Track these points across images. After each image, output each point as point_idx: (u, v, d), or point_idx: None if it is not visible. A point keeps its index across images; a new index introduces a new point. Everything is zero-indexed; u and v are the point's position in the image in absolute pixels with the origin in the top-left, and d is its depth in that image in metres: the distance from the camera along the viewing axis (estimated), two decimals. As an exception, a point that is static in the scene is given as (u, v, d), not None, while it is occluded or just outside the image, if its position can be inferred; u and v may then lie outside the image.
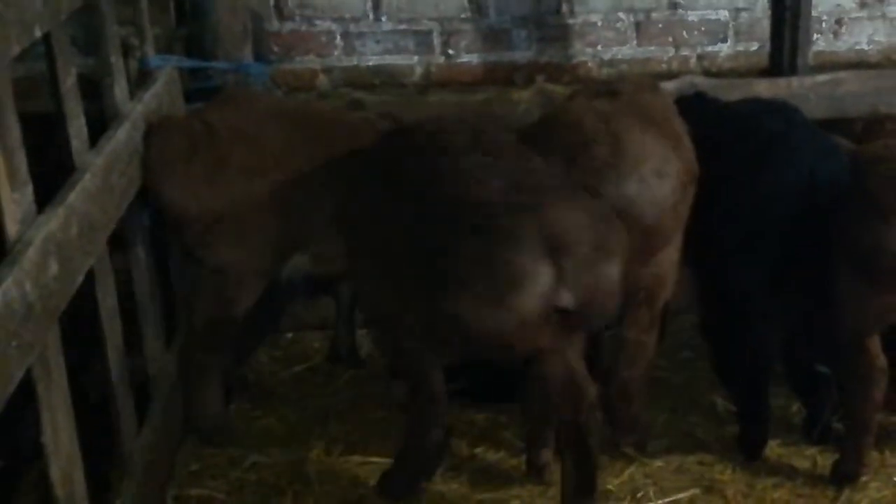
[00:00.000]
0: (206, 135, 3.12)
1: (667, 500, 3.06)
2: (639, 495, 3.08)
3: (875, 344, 2.97)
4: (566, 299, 2.48)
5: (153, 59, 3.42)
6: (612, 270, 2.54)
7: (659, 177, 2.85)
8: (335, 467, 3.23)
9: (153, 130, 3.14)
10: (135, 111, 3.08)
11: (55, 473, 2.36)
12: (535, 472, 3.11)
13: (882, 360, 2.97)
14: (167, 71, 3.46)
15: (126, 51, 3.44)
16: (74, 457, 2.47)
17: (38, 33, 2.41)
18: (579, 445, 2.77)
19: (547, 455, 3.10)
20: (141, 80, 3.47)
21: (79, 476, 2.49)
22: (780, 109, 3.27)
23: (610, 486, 3.11)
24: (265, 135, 3.16)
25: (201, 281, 3.20)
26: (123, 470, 2.86)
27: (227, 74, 3.83)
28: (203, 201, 3.09)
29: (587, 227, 2.52)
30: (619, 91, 3.07)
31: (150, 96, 3.24)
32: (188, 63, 3.70)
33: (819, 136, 3.17)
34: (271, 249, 3.19)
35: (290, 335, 4.00)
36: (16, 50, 2.26)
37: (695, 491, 3.09)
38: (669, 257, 3.02)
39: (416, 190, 2.67)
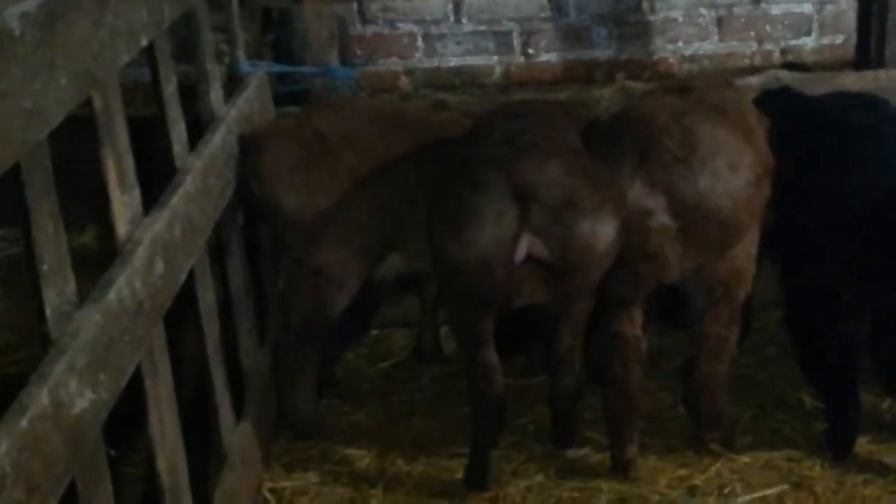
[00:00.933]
0: (318, 142, 3.23)
1: (754, 495, 3.05)
2: (726, 491, 3.07)
3: None
4: (537, 248, 2.69)
5: (244, 64, 3.53)
6: (587, 227, 2.71)
7: (732, 170, 2.85)
8: (422, 461, 3.30)
9: (265, 140, 3.26)
10: (229, 115, 3.20)
11: (162, 464, 2.47)
12: (620, 468, 3.14)
13: None
14: (258, 76, 3.58)
15: (219, 56, 3.58)
16: (179, 449, 2.57)
17: (143, 42, 2.52)
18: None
19: (632, 450, 3.12)
20: (232, 85, 3.59)
21: (182, 467, 2.59)
22: (868, 102, 3.24)
23: (696, 482, 3.11)
24: (368, 138, 3.26)
25: (300, 281, 3.30)
26: (221, 462, 2.96)
27: (315, 78, 3.93)
28: (318, 207, 3.20)
29: (558, 181, 2.72)
30: (692, 87, 3.08)
31: (242, 101, 3.35)
32: (277, 68, 3.82)
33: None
34: (371, 250, 3.29)
35: (375, 332, 4.07)
36: (125, 59, 2.37)
37: (783, 487, 3.07)
38: (746, 251, 3.02)
39: (445, 156, 3.03)
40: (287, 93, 3.93)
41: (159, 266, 2.46)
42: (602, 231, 2.74)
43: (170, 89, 2.79)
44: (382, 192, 3.25)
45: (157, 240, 2.46)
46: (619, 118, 3.02)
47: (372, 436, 3.46)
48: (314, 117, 3.37)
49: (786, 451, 3.25)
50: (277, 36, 4.10)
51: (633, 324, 3.02)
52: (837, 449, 3.20)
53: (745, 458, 3.21)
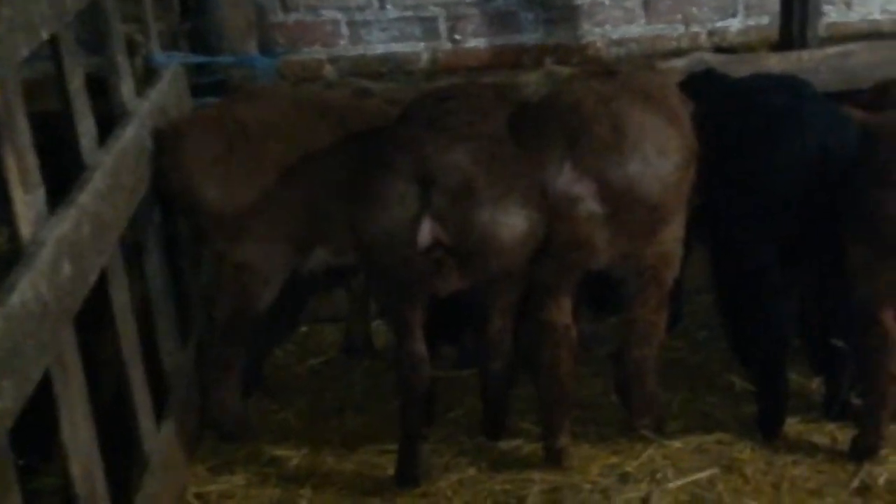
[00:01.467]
0: (240, 133, 3.13)
1: (686, 480, 3.05)
2: (658, 476, 3.06)
3: (889, 316, 2.94)
4: (439, 233, 2.71)
5: (158, 55, 3.42)
6: (485, 215, 2.72)
7: (661, 155, 2.84)
8: (353, 459, 3.24)
9: (185, 131, 3.15)
10: (142, 109, 3.09)
11: (76, 471, 2.39)
12: (553, 458, 3.11)
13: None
14: (173, 67, 3.47)
15: (132, 48, 3.45)
16: (94, 455, 2.49)
17: (44, 35, 2.41)
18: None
19: (564, 440, 3.09)
20: (147, 76, 3.47)
21: (99, 474, 2.51)
22: (789, 83, 3.25)
23: (628, 468, 3.11)
24: (292, 128, 3.18)
25: (224, 276, 3.21)
26: (142, 467, 2.87)
27: (234, 68, 3.82)
28: (241, 200, 3.11)
29: (460, 166, 2.72)
30: (617, 71, 3.05)
31: (156, 93, 3.24)
32: (193, 59, 3.70)
33: (829, 107, 3.15)
34: (297, 243, 3.21)
35: (304, 328, 4.00)
36: (24, 53, 2.27)
37: (714, 470, 3.08)
38: (673, 235, 3.02)
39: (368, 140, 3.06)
40: (205, 84, 3.81)
41: (66, 267, 2.36)
42: (503, 220, 2.74)
43: (76, 83, 2.67)
44: (307, 183, 3.17)
45: (64, 240, 2.36)
46: (546, 104, 2.98)
47: (301, 434, 3.39)
48: (236, 107, 3.27)
49: (716, 434, 3.26)
50: (194, 25, 3.98)
51: (562, 312, 2.99)
52: (767, 430, 3.22)
53: (677, 443, 3.22)
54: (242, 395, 3.36)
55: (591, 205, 2.81)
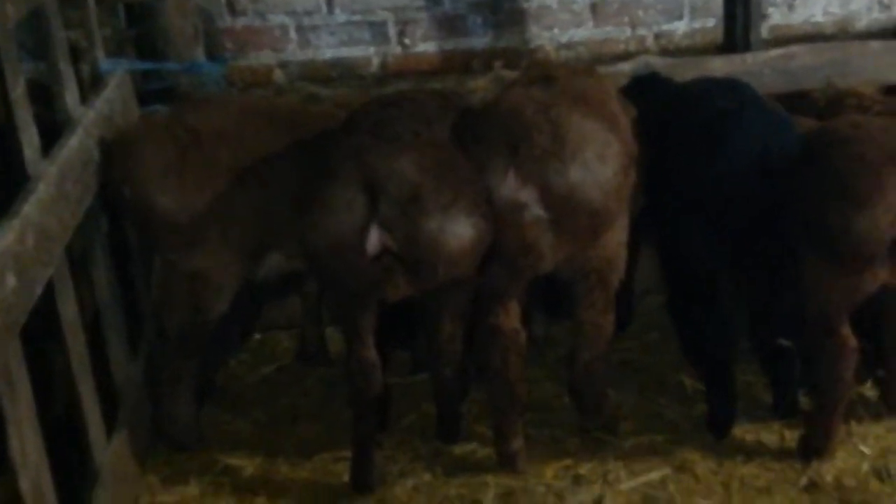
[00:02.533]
0: (192, 141, 3.10)
1: (638, 480, 3.08)
2: (610, 477, 3.09)
3: (845, 325, 2.97)
4: (387, 241, 2.74)
5: (104, 62, 3.38)
6: (433, 224, 2.74)
7: (601, 161, 2.85)
8: (308, 467, 3.23)
9: (136, 140, 3.12)
10: (86, 117, 3.05)
11: (25, 486, 2.35)
12: (507, 461, 3.12)
13: (853, 341, 2.96)
14: (118, 74, 3.42)
15: (76, 54, 3.41)
16: (43, 469, 2.45)
17: (-17, 43, 2.37)
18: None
19: (517, 443, 3.11)
20: (93, 83, 3.43)
21: (49, 488, 2.48)
22: (731, 87, 3.29)
23: (582, 471, 3.13)
24: (243, 135, 3.16)
25: (175, 286, 3.17)
26: (93, 480, 2.83)
27: (181, 75, 3.79)
28: (194, 208, 3.07)
29: (406, 175, 2.74)
30: (555, 76, 3.07)
31: (101, 101, 3.20)
32: (139, 65, 3.66)
33: (770, 111, 3.19)
34: (250, 250, 3.18)
35: (258, 336, 3.97)
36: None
37: (665, 471, 3.11)
38: (617, 238, 3.05)
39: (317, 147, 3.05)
40: (152, 90, 3.77)
41: (10, 280, 2.32)
42: (451, 229, 2.75)
43: (17, 91, 2.63)
44: (259, 190, 3.15)
45: (7, 252, 2.32)
46: (487, 111, 2.98)
47: (255, 443, 3.36)
48: (186, 115, 3.24)
49: (668, 434, 3.30)
50: (140, 31, 3.93)
51: (511, 316, 3.00)
52: (717, 430, 3.26)
53: (629, 444, 3.25)
54: (195, 405, 3.33)
55: (535, 211, 2.83)
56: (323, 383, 3.71)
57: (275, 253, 3.27)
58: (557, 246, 2.89)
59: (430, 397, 3.32)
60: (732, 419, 3.25)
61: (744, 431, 3.28)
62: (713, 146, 3.04)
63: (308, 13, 4.71)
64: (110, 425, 3.03)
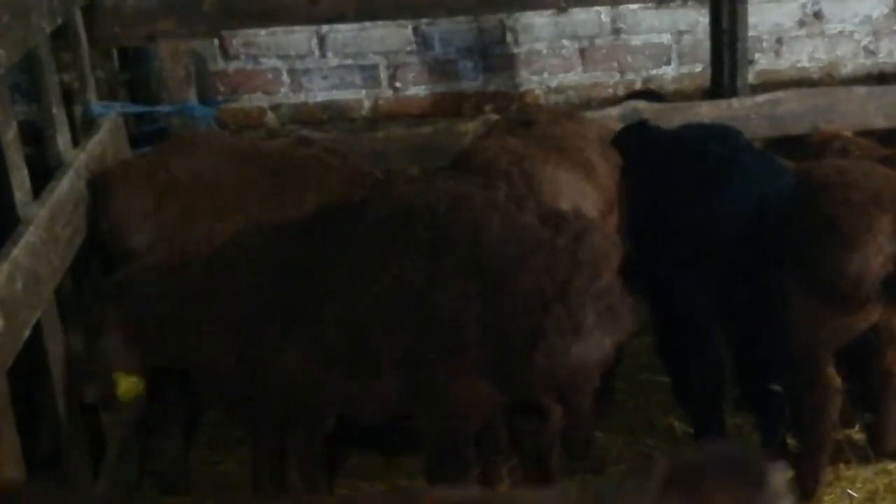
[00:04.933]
0: (170, 184, 3.12)
1: (627, 524, 3.06)
2: (598, 521, 3.07)
3: (830, 366, 2.99)
4: None
5: (95, 106, 3.42)
6: None
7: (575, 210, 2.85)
8: (296, 508, 3.21)
9: (114, 181, 3.13)
10: (78, 160, 3.07)
11: (8, 530, 2.33)
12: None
13: (837, 381, 2.98)
14: (111, 117, 3.46)
15: (69, 97, 3.44)
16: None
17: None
18: None
19: (503, 488, 3.10)
20: (86, 126, 3.46)
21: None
22: (724, 134, 3.33)
23: (570, 513, 3.11)
24: (225, 178, 3.18)
25: None
26: (79, 523, 2.81)
27: (173, 117, 3.82)
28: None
29: None
30: (533, 121, 3.09)
31: (93, 144, 3.23)
32: (131, 108, 3.70)
33: (765, 158, 3.23)
34: None
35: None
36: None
37: (654, 514, 3.10)
38: None
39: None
40: (146, 133, 3.81)
41: (-1, 322, 2.33)
42: None
43: (9, 135, 2.66)
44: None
45: (-4, 295, 2.33)
46: (461, 161, 2.99)
47: (244, 485, 3.33)
48: (167, 158, 3.26)
49: (657, 476, 3.28)
50: (133, 74, 3.98)
51: None
52: (706, 472, 3.25)
53: (618, 487, 3.23)
54: (183, 446, 3.32)
55: None
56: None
57: None
58: None
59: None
60: (720, 462, 3.25)
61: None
62: (710, 192, 3.07)
63: (300, 56, 4.78)
64: (97, 466, 3.02)
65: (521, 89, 4.95)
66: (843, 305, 2.91)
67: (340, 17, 3.98)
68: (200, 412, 3.59)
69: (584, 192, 2.91)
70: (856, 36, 5.13)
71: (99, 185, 3.11)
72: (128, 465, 3.22)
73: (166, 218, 3.08)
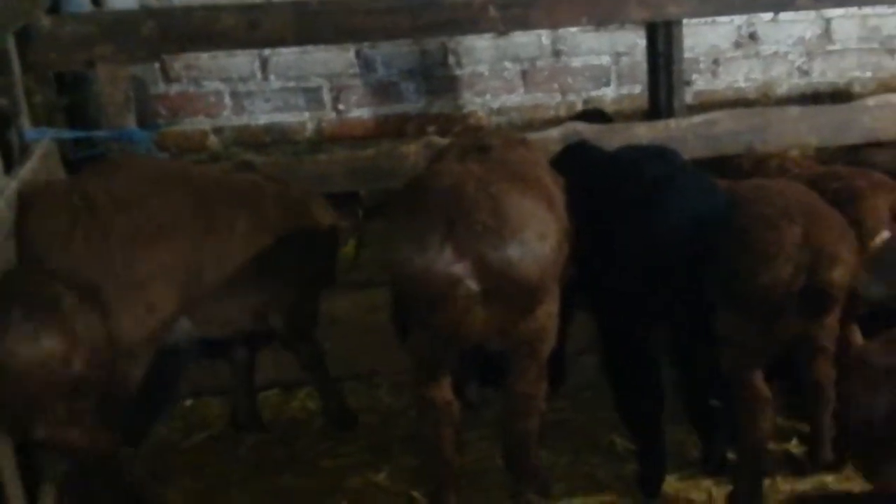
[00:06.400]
0: (86, 208, 3.06)
1: (571, 542, 3.09)
2: (544, 540, 3.10)
3: (758, 377, 3.07)
4: None
5: (29, 131, 3.36)
6: None
7: (540, 239, 2.86)
8: (238, 536, 3.19)
9: (32, 204, 3.07)
10: (9, 187, 3.02)
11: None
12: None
13: (766, 391, 3.06)
14: (44, 143, 3.40)
15: (6, 122, 3.39)
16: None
17: None
18: None
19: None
20: (21, 152, 3.41)
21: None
22: (659, 154, 3.38)
23: (515, 534, 3.13)
24: (146, 201, 3.12)
25: None
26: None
27: (112, 143, 3.78)
28: (87, 274, 3.02)
29: None
30: (489, 147, 3.11)
31: (26, 171, 3.17)
32: (66, 134, 3.64)
33: (700, 177, 3.29)
34: (158, 317, 3.13)
35: (189, 402, 3.93)
36: None
37: (598, 532, 3.13)
38: (547, 310, 3.03)
39: None
40: (83, 158, 3.75)
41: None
42: None
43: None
44: (166, 256, 3.09)
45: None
46: (424, 184, 2.98)
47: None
48: (88, 181, 3.17)
49: (600, 495, 3.31)
50: (72, 99, 3.94)
51: (443, 388, 2.99)
52: (647, 489, 3.29)
53: (562, 506, 3.26)
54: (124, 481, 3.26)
55: (469, 285, 2.80)
56: (255, 451, 3.67)
57: (185, 319, 3.24)
58: (489, 319, 2.87)
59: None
60: (662, 478, 3.28)
61: (673, 490, 3.31)
62: (647, 213, 3.11)
63: (243, 79, 4.78)
64: (33, 499, 2.96)
65: (464, 111, 4.99)
66: (760, 316, 3.02)
67: (280, 41, 3.98)
68: (141, 439, 3.54)
69: (547, 221, 2.93)
70: (790, 57, 5.27)
71: (20, 206, 3.05)
72: (65, 498, 3.16)
73: (79, 241, 3.02)
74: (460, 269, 2.78)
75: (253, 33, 3.90)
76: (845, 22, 5.35)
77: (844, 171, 3.58)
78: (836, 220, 3.13)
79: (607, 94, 5.10)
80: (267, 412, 3.86)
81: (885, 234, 3.31)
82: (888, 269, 2.92)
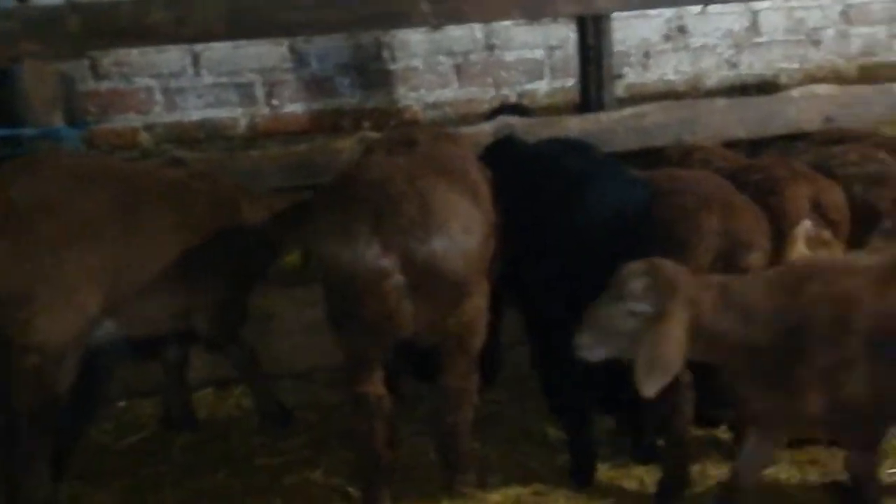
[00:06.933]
0: (6, 211, 3.01)
1: (505, 533, 3.12)
2: (478, 531, 3.13)
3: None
4: None
5: (-50, 130, 3.30)
6: None
7: (466, 233, 2.90)
8: (171, 536, 3.17)
9: None
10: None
11: None
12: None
13: (687, 375, 3.12)
14: (-35, 142, 3.34)
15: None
16: None
17: None
18: None
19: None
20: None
21: None
22: (580, 148, 3.43)
23: (450, 527, 3.16)
24: (69, 201, 3.07)
25: (15, 361, 3.06)
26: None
27: (39, 141, 3.72)
28: (14, 279, 2.98)
29: None
30: (416, 141, 3.12)
31: (-53, 171, 3.12)
32: (-10, 131, 3.58)
33: (620, 170, 3.34)
34: (83, 318, 3.09)
35: (122, 403, 3.89)
36: None
37: (532, 522, 3.17)
38: (475, 304, 3.06)
39: None
40: (10, 156, 3.68)
41: None
42: None
43: None
44: (89, 257, 3.06)
45: None
46: (352, 178, 2.99)
47: (117, 516, 3.28)
48: (7, 183, 3.10)
49: (533, 485, 3.35)
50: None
51: (375, 382, 3.01)
52: (579, 478, 3.34)
53: (496, 497, 3.28)
54: (51, 482, 3.21)
55: (397, 279, 2.84)
56: (188, 450, 3.65)
57: (110, 320, 3.20)
58: (418, 313, 2.90)
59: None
60: (593, 467, 3.34)
61: (606, 478, 3.36)
62: (570, 206, 3.15)
63: (174, 75, 4.73)
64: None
65: (399, 105, 5.00)
66: None
67: (209, 36, 3.95)
68: (70, 443, 3.50)
69: (472, 215, 2.95)
70: (718, 49, 5.36)
71: None
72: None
73: (4, 246, 2.96)
74: (388, 262, 2.81)
75: (182, 28, 3.86)
76: (772, 14, 5.46)
77: (766, 163, 3.66)
78: (750, 209, 3.23)
79: (541, 88, 5.14)
80: (202, 411, 3.84)
81: (806, 224, 3.40)
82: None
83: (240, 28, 3.97)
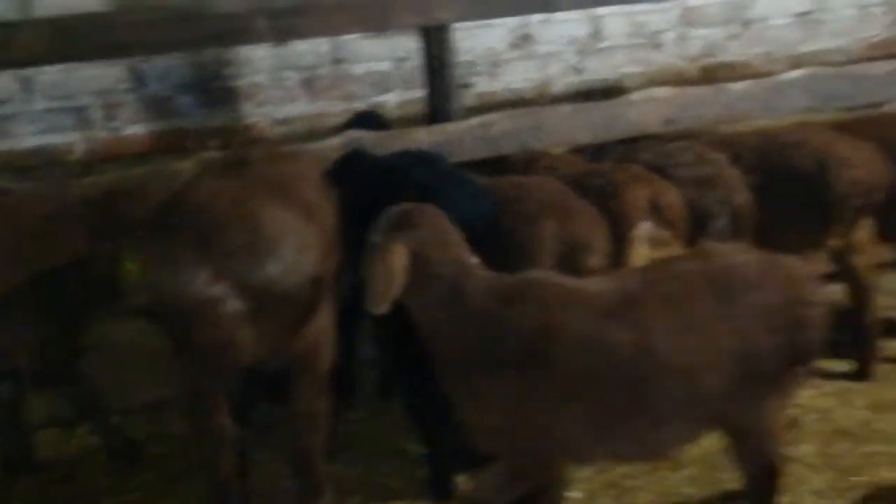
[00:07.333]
0: None
1: (364, 554, 3.07)
2: (335, 554, 3.07)
3: None
4: None
5: None
6: None
7: (300, 252, 2.82)
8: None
9: None
10: None
11: None
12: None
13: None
14: None
15: None
16: None
17: None
18: None
19: None
20: None
21: None
22: (425, 160, 3.42)
23: (306, 553, 3.08)
24: None
25: None
26: None
27: None
28: None
29: None
30: (248, 161, 3.04)
31: None
32: None
33: (466, 182, 3.34)
34: None
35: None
36: None
37: (391, 540, 3.13)
38: (320, 325, 3.00)
39: None
40: None
41: None
42: None
43: None
44: None
45: None
46: (177, 202, 2.88)
47: None
48: None
49: (392, 503, 3.31)
50: None
51: (219, 413, 2.87)
52: (438, 491, 3.32)
53: (355, 519, 3.25)
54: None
55: (231, 305, 2.73)
56: (30, 492, 3.46)
57: None
58: (260, 338, 2.80)
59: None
60: (451, 479, 3.32)
61: (467, 490, 3.34)
62: None
63: (4, 101, 4.50)
64: None
65: (246, 122, 4.89)
66: None
67: (31, 61, 3.76)
68: None
69: (307, 233, 2.87)
70: (563, 56, 5.44)
71: None
72: None
73: None
74: (219, 289, 2.71)
75: (6, 52, 3.67)
76: (614, 20, 5.57)
77: (606, 168, 3.73)
78: (588, 213, 3.30)
79: (390, 100, 5.11)
80: (45, 450, 3.65)
81: (646, 225, 3.48)
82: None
83: (67, 50, 3.79)
